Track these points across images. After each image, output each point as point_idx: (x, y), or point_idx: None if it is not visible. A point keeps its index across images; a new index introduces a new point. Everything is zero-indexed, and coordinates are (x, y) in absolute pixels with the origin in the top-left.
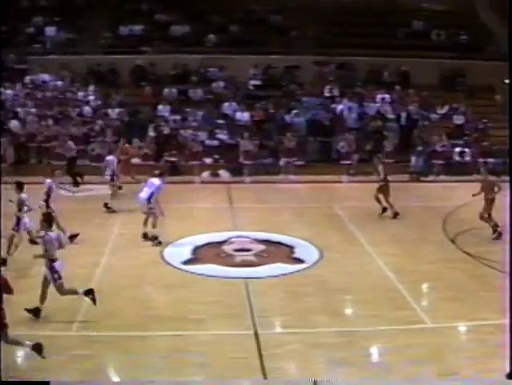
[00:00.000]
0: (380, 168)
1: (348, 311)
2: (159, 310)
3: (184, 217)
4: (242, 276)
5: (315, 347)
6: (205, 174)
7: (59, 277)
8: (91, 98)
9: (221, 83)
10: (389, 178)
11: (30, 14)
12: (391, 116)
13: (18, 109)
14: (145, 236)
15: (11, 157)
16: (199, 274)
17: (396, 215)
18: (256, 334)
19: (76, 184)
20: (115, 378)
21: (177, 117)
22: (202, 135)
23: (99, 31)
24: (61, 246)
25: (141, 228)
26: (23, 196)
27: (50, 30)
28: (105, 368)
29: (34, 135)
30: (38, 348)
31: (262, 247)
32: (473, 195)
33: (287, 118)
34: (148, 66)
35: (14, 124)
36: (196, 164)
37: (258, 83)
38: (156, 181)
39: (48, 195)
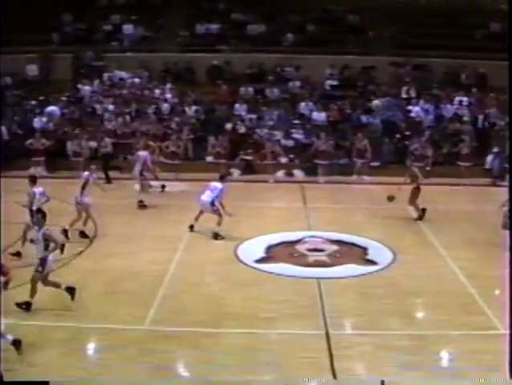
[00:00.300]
0: (416, 170)
1: (420, 315)
2: (230, 308)
3: (257, 216)
4: (315, 276)
5: (386, 350)
6: (280, 173)
7: (42, 271)
8: (168, 96)
9: (298, 83)
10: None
11: (108, 11)
12: (467, 119)
13: (96, 105)
14: (191, 227)
15: (87, 152)
16: (271, 273)
17: (420, 218)
18: (327, 335)
19: (108, 181)
20: (184, 374)
21: (253, 116)
22: (278, 135)
23: (176, 29)
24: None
25: (213, 226)
26: (36, 190)
27: (128, 28)
28: (173, 364)
29: (111, 131)
30: (17, 344)
31: (335, 247)
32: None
33: (363, 118)
34: (224, 65)
35: None
36: (271, 164)
37: (334, 83)
38: (218, 185)
39: (83, 187)
